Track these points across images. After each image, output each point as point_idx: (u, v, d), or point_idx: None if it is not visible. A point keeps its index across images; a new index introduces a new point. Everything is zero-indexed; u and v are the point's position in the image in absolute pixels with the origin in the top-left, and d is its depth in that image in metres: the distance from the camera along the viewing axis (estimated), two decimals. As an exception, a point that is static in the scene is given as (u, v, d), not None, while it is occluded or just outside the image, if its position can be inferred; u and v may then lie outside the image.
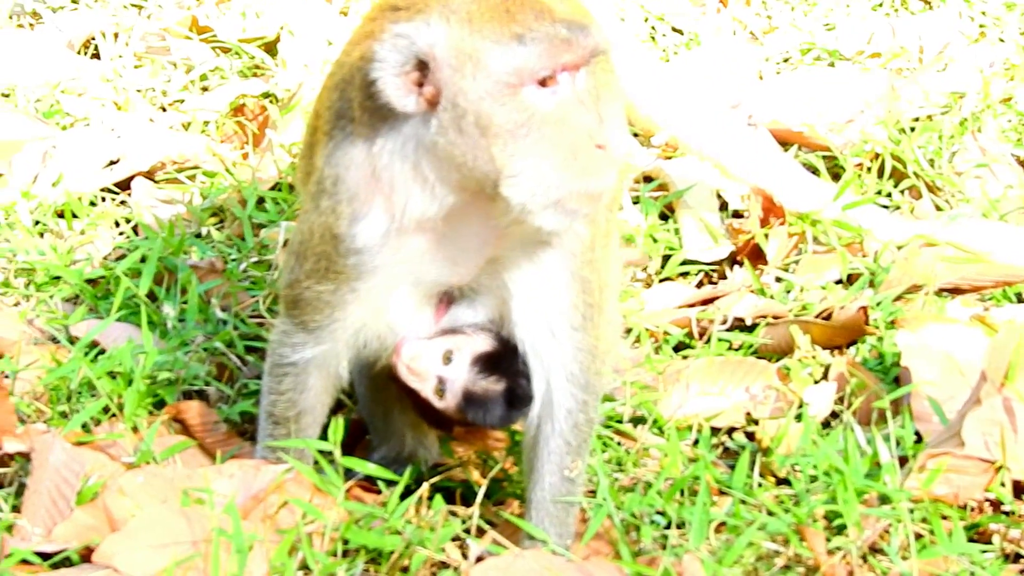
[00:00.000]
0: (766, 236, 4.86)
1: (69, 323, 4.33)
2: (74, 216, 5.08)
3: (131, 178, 5.33)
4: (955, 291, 4.63)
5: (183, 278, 4.50)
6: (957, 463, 3.51)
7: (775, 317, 4.43)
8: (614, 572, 3.21)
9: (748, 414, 4.05)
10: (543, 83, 2.97)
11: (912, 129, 5.70)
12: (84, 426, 3.73)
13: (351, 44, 3.30)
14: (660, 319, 4.49)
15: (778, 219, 4.93)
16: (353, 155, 3.14)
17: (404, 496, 3.29)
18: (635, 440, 3.86)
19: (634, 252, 4.85)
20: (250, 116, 5.82)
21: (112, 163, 5.40)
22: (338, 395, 3.56)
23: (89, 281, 4.62)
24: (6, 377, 3.90)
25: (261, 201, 5.14)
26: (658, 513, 3.42)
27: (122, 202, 5.24)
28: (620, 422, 3.97)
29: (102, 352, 4.11)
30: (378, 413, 3.91)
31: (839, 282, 4.76)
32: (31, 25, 6.93)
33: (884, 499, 3.44)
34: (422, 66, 2.98)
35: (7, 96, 6.04)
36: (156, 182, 5.36)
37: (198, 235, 4.95)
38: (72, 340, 4.21)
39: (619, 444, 3.85)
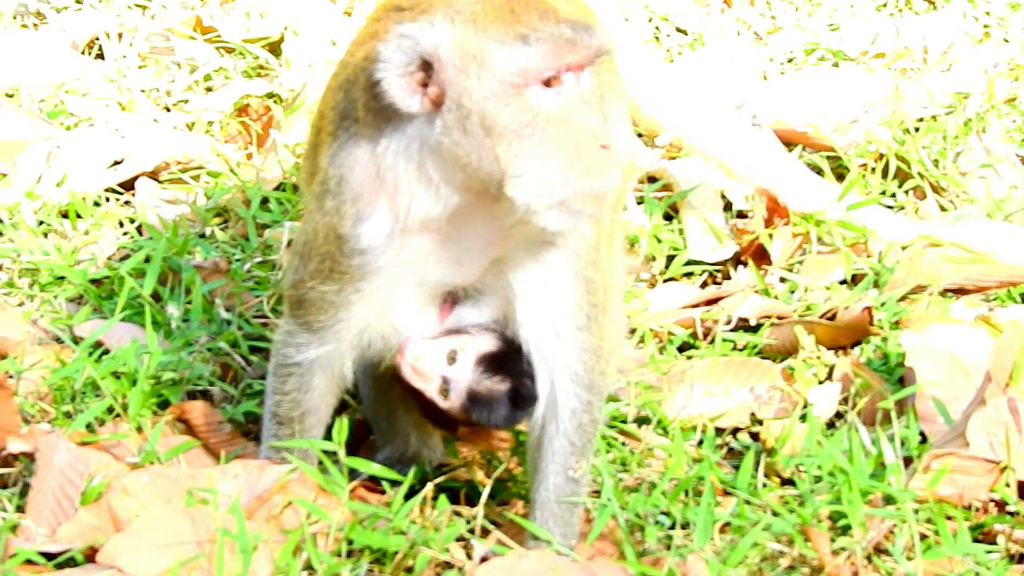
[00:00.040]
0: (770, 236, 4.86)
1: (73, 323, 4.33)
2: (78, 216, 5.08)
3: (135, 178, 5.32)
4: (959, 291, 4.63)
5: (187, 278, 4.50)
6: (962, 463, 3.51)
7: (779, 317, 4.43)
8: (618, 572, 3.21)
9: (752, 414, 4.05)
10: (548, 83, 2.97)
11: (916, 129, 5.70)
12: (88, 426, 3.73)
13: (355, 45, 3.30)
14: (664, 319, 4.49)
15: (782, 219, 4.93)
16: (357, 155, 3.14)
17: (408, 496, 3.29)
18: (639, 440, 3.86)
19: (635, 260, 4.85)
20: (254, 116, 5.81)
21: (116, 163, 5.40)
22: (342, 395, 3.57)
23: (93, 281, 4.63)
24: (10, 377, 3.90)
25: (265, 201, 5.14)
26: (662, 513, 3.42)
27: (126, 202, 5.24)
28: (624, 422, 3.96)
29: (106, 352, 4.11)
30: (382, 413, 3.91)
31: (843, 282, 4.76)
32: (35, 25, 6.93)
33: (889, 499, 3.44)
34: (426, 66, 2.98)
35: (11, 96, 6.04)
36: (160, 182, 5.36)
37: (202, 235, 4.95)
38: (76, 340, 4.22)
39: (623, 444, 3.85)
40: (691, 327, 4.46)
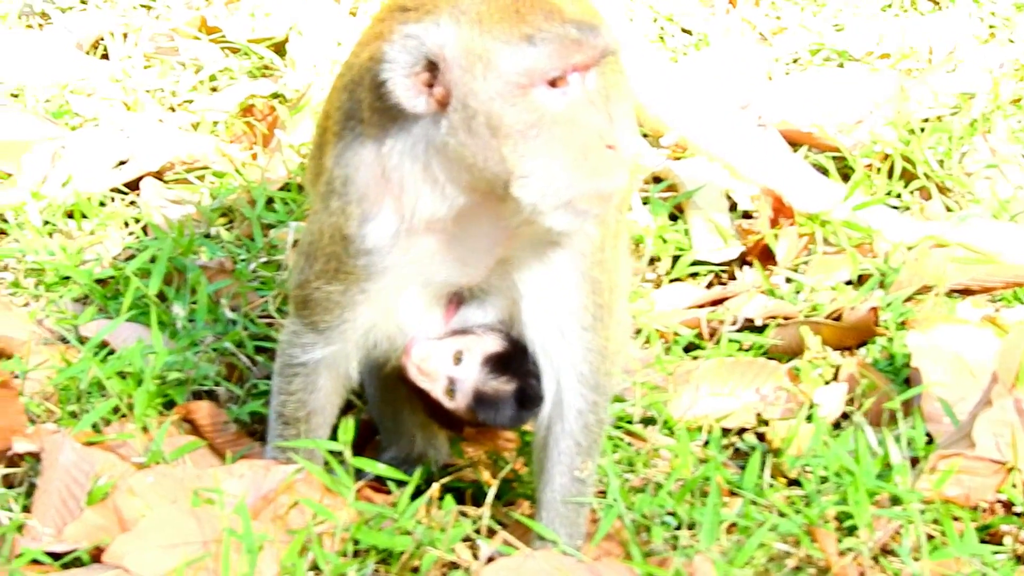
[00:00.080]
0: (776, 237, 4.85)
1: (79, 323, 4.34)
2: (83, 216, 5.09)
3: (140, 178, 5.33)
4: (965, 292, 4.63)
5: (193, 278, 4.50)
6: (968, 464, 3.51)
7: (785, 318, 4.43)
8: (625, 573, 3.21)
9: (758, 415, 4.05)
10: (553, 84, 2.97)
11: (922, 130, 5.69)
12: (94, 426, 3.73)
13: (360, 45, 3.30)
14: (670, 320, 4.49)
15: (788, 220, 4.92)
16: (363, 156, 3.14)
17: (414, 496, 3.29)
18: (645, 441, 3.86)
19: (638, 264, 4.84)
20: (259, 116, 5.82)
21: (121, 163, 5.40)
22: (348, 395, 3.57)
23: (99, 281, 4.63)
24: (16, 377, 3.91)
25: (270, 201, 5.14)
26: (669, 514, 3.42)
27: (131, 202, 5.25)
28: (630, 423, 3.96)
29: (112, 352, 4.11)
30: (388, 413, 3.91)
31: (849, 283, 4.75)
32: (40, 26, 6.94)
33: (895, 500, 3.44)
34: (432, 67, 2.97)
35: (16, 96, 6.05)
36: (165, 182, 5.37)
37: (207, 235, 4.95)
38: (82, 340, 4.22)
39: (629, 445, 3.85)
40: (697, 327, 4.45)
